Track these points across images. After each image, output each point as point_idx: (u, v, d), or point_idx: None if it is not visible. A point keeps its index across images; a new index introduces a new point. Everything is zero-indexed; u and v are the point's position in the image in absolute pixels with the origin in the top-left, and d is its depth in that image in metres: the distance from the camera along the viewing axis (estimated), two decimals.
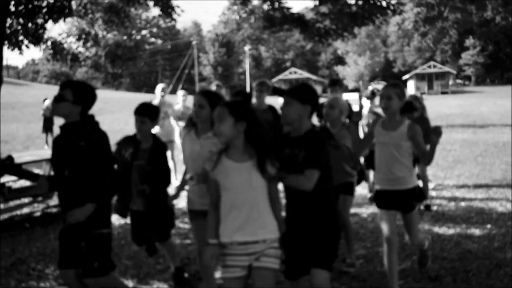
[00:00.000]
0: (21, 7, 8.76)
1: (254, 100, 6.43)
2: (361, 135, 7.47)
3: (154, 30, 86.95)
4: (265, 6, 10.72)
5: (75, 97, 3.59)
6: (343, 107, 5.03)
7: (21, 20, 9.39)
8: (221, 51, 77.96)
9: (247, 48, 75.76)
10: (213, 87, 8.75)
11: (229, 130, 3.12)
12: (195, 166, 3.98)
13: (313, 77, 70.75)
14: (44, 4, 9.14)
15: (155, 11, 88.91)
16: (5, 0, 3.65)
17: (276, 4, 9.82)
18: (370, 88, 10.08)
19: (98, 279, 3.57)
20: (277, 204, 3.23)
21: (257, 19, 11.57)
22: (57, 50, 12.46)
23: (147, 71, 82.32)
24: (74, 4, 10.42)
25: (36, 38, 9.83)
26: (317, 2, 10.07)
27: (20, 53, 9.58)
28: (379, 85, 34.41)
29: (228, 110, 3.13)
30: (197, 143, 4.08)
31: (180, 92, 10.05)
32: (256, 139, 3.13)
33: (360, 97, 14.61)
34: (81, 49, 18.08)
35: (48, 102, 17.14)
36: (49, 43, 12.29)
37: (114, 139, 4.22)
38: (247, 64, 74.13)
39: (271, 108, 6.40)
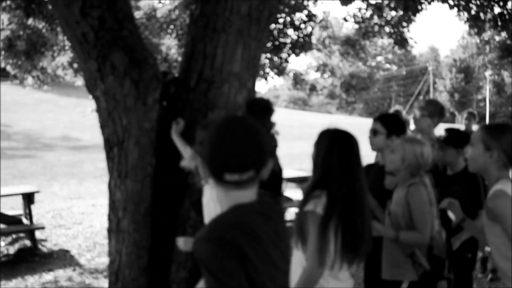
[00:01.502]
0: (268, 44, 9.96)
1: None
2: None
3: (389, 56, 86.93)
4: (500, 36, 10.39)
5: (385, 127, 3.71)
6: None
7: (268, 55, 10.64)
8: (459, 76, 74.53)
9: (488, 73, 71.29)
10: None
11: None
12: None
13: None
14: (288, 40, 10.23)
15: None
16: (263, 41, 4.46)
17: None
18: None
19: None
20: None
21: (492, 49, 11.16)
22: (298, 80, 13.65)
23: (381, 97, 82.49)
24: (313, 39, 11.40)
25: (280, 70, 11.00)
26: None
27: (266, 83, 10.84)
28: None
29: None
30: None
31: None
32: None
33: None
34: (319, 79, 19.36)
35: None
36: (291, 74, 13.57)
37: None
38: (487, 91, 69.75)
39: None
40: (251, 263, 1.62)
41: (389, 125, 3.72)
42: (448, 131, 4.17)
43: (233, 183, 1.68)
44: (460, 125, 27.26)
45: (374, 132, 3.72)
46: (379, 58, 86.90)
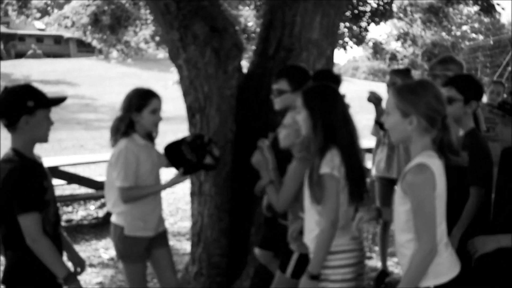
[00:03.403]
0: (347, 13, 9.82)
1: None
2: None
3: (476, 25, 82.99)
4: None
5: None
6: None
7: (347, 24, 10.49)
8: None
9: None
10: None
11: None
12: None
13: None
14: (368, 9, 10.03)
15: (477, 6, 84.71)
16: (342, 9, 4.44)
17: None
18: None
19: None
20: None
21: None
22: (377, 50, 13.39)
23: (466, 68, 79.04)
24: (394, 7, 11.11)
25: (359, 40, 10.83)
26: None
27: (345, 52, 10.76)
28: None
29: None
30: None
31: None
32: None
33: None
34: (399, 48, 18.85)
35: None
36: (370, 43, 13.33)
37: None
38: None
39: None
40: None
41: (466, 90, 3.18)
42: None
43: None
44: None
45: (449, 100, 3.05)
46: (464, 27, 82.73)
